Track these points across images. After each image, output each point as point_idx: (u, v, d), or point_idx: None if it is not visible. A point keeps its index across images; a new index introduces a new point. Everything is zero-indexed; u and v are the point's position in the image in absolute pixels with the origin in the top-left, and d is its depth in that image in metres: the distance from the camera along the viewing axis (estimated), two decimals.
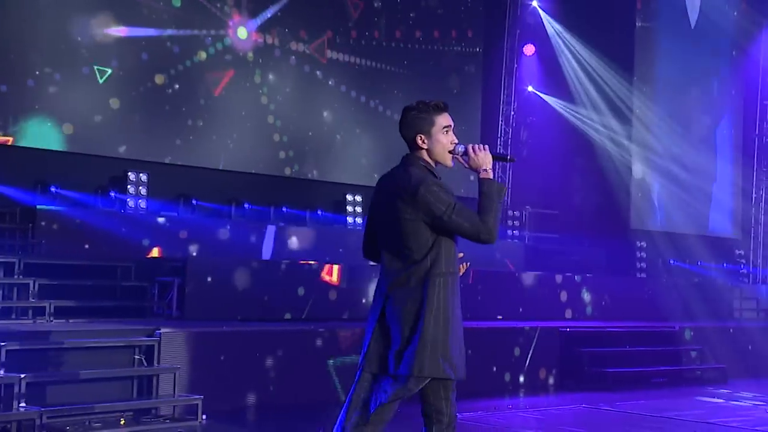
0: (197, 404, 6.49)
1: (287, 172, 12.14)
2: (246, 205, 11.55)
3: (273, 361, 7.27)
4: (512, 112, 14.30)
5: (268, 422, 6.65)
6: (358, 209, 12.71)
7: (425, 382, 3.10)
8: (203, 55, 11.30)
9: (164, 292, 8.31)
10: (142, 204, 10.49)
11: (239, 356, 7.12)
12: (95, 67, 10.25)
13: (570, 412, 7.30)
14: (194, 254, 9.59)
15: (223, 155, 11.49)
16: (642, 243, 13.62)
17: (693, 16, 15.03)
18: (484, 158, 3.20)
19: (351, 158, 12.81)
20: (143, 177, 10.54)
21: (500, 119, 14.21)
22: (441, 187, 3.15)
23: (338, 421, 3.22)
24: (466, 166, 3.25)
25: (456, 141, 3.27)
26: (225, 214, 11.30)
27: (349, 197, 12.64)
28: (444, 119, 3.25)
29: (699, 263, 14.11)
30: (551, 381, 8.73)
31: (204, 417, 6.53)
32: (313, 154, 12.37)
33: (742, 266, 14.84)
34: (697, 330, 10.11)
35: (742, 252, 15.03)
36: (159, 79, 10.87)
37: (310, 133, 12.32)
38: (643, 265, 13.52)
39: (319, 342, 7.65)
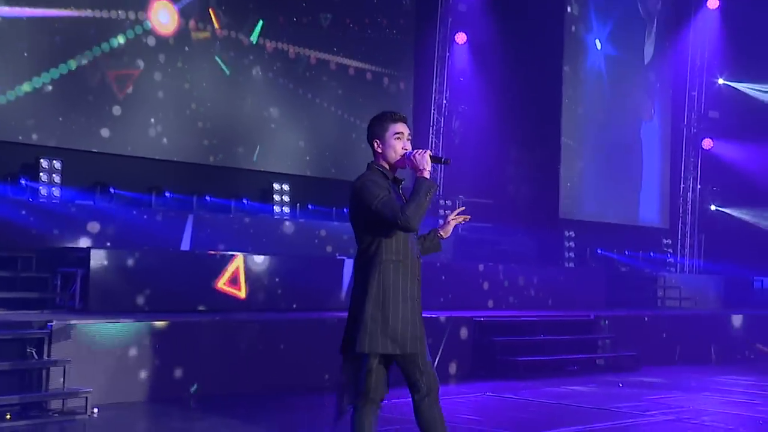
0: (86, 398, 6.32)
1: (211, 159, 11.91)
2: (167, 194, 11.30)
3: (169, 354, 7.10)
4: (444, 101, 14.25)
5: (161, 416, 6.50)
6: (286, 198, 12.55)
7: (377, 358, 3.53)
8: (122, 38, 10.99)
9: (67, 284, 8.08)
10: (56, 192, 10.19)
11: (135, 349, 6.94)
12: None
13: (473, 400, 7.29)
14: (104, 244, 9.33)
15: (143, 142, 11.22)
16: (570, 233, 13.73)
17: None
18: (420, 160, 3.58)
19: (279, 147, 12.63)
20: (57, 164, 10.23)
21: (432, 108, 14.15)
22: (377, 184, 3.55)
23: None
24: (411, 168, 3.65)
25: (408, 148, 3.66)
26: (145, 203, 11.03)
27: (276, 186, 12.46)
28: (397, 127, 3.66)
29: (626, 252, 14.28)
30: (463, 370, 8.73)
31: (95, 411, 6.36)
32: (238, 141, 12.16)
33: (668, 255, 15.07)
34: (613, 319, 10.21)
35: (669, 241, 15.26)
36: (74, 62, 10.55)
37: (236, 121, 12.11)
38: (572, 254, 13.63)
39: (219, 334, 7.50)
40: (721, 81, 15.65)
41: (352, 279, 3.67)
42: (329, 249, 11.48)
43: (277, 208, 12.41)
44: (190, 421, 6.43)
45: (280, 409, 6.73)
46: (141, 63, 11.16)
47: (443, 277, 10.51)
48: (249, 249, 10.07)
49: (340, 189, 13.19)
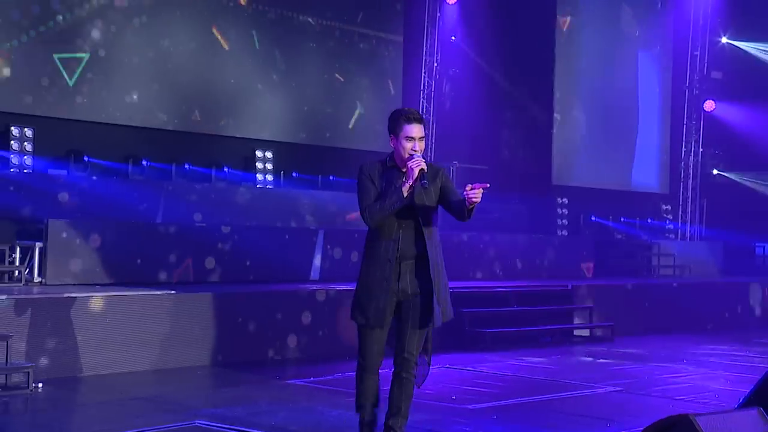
0: (28, 373, 6.23)
1: (191, 126, 11.69)
2: (144, 163, 11.13)
3: (118, 328, 6.97)
4: (435, 64, 13.84)
5: (108, 389, 6.40)
6: (269, 166, 12.32)
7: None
8: (94, 0, 10.70)
9: (25, 257, 7.97)
10: (28, 161, 10.08)
11: (84, 322, 6.83)
12: None
13: (430, 372, 7.10)
14: (74, 215, 9.17)
15: (119, 108, 11.01)
16: (564, 199, 13.37)
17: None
18: (410, 172, 3.85)
19: (262, 112, 12.37)
20: (28, 132, 10.11)
21: (423, 71, 13.76)
22: (370, 178, 3.95)
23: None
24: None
25: (417, 150, 3.92)
26: (121, 172, 10.87)
27: (259, 153, 12.24)
28: (410, 129, 3.93)
29: (622, 219, 13.89)
30: (434, 342, 8.50)
31: (40, 385, 6.29)
32: (220, 107, 11.91)
33: (667, 222, 14.64)
34: (593, 288, 9.92)
35: (669, 207, 14.82)
36: (44, 27, 10.31)
37: (217, 85, 11.84)
38: (565, 222, 13.29)
39: (178, 307, 7.35)
40: (724, 40, 15.02)
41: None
42: (310, 219, 11.24)
43: (260, 177, 12.19)
44: (137, 395, 6.33)
45: (232, 382, 6.60)
46: (113, 28, 10.91)
47: None
48: (226, 220, 9.88)
49: (325, 156, 12.95)
